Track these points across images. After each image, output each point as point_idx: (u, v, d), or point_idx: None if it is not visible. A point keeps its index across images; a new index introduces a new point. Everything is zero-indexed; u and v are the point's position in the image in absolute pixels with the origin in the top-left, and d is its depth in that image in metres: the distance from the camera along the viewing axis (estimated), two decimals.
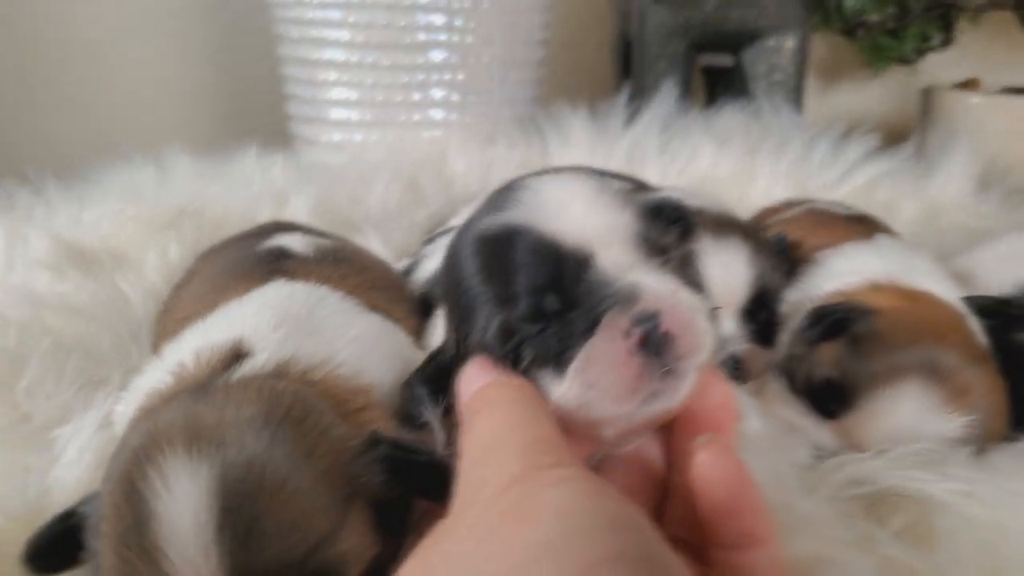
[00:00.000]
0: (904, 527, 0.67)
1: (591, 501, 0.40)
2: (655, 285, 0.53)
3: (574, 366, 0.53)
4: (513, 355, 0.55)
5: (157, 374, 0.66)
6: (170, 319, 0.85)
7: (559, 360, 0.54)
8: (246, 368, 0.62)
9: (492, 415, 0.50)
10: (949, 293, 0.89)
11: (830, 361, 0.83)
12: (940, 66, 2.18)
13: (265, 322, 0.69)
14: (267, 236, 0.94)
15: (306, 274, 0.81)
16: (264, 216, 1.29)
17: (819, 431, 0.83)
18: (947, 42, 2.08)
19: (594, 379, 0.52)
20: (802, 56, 1.98)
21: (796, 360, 0.87)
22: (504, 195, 0.60)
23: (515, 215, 0.57)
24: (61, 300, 1.00)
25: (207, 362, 0.64)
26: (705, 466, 0.47)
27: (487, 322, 0.56)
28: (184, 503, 0.47)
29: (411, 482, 0.56)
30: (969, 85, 2.11)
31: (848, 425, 0.81)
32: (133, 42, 2.36)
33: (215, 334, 0.68)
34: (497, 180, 0.67)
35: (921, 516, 0.68)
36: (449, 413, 0.62)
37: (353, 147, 1.82)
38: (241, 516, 0.47)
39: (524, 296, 0.54)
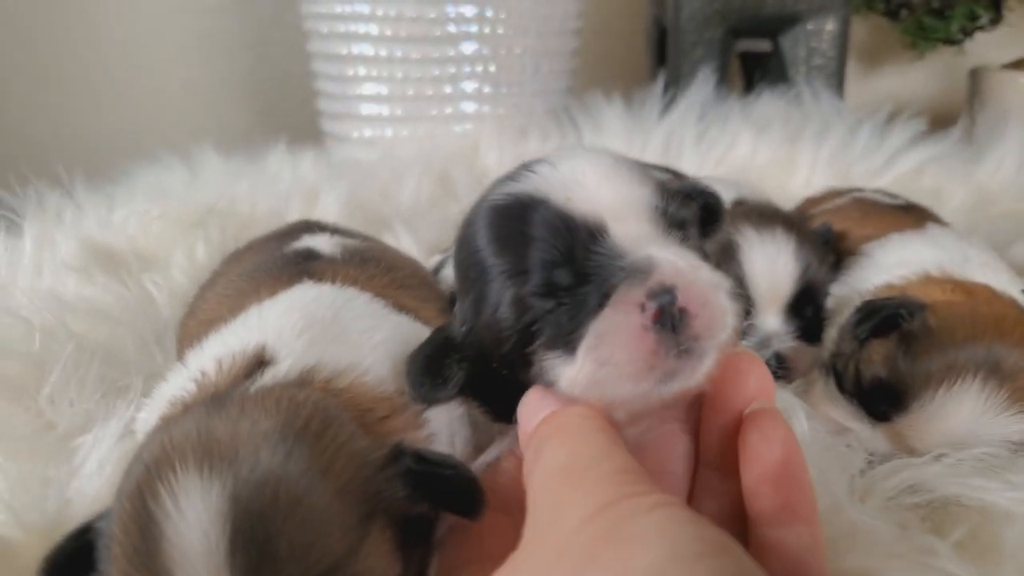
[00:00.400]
0: (965, 539, 0.64)
1: (692, 527, 0.40)
2: (672, 259, 0.51)
3: (585, 343, 0.51)
4: (526, 333, 0.53)
5: (180, 381, 0.65)
6: (193, 321, 0.84)
7: (570, 339, 0.52)
8: (268, 377, 0.60)
9: (566, 442, 0.49)
10: (1008, 285, 0.85)
11: (881, 359, 0.79)
12: (988, 46, 2.12)
13: (289, 327, 0.66)
14: (294, 237, 0.92)
15: (333, 275, 0.79)
16: (294, 213, 1.29)
17: (870, 434, 0.80)
18: (996, 21, 2.02)
19: (607, 356, 0.50)
20: (843, 39, 1.93)
21: (844, 358, 0.84)
22: (521, 168, 0.59)
23: (528, 186, 0.56)
24: (87, 304, 0.99)
25: (229, 370, 0.62)
26: (757, 431, 0.48)
27: (498, 296, 0.55)
28: (195, 524, 0.44)
29: (436, 496, 0.53)
30: (1020, 65, 2.03)
31: (901, 428, 0.77)
32: (162, 40, 2.37)
33: (238, 340, 0.66)
34: None
35: (983, 527, 0.64)
36: (451, 391, 0.61)
37: (384, 142, 1.82)
38: (254, 538, 0.44)
39: (535, 270, 0.53)
